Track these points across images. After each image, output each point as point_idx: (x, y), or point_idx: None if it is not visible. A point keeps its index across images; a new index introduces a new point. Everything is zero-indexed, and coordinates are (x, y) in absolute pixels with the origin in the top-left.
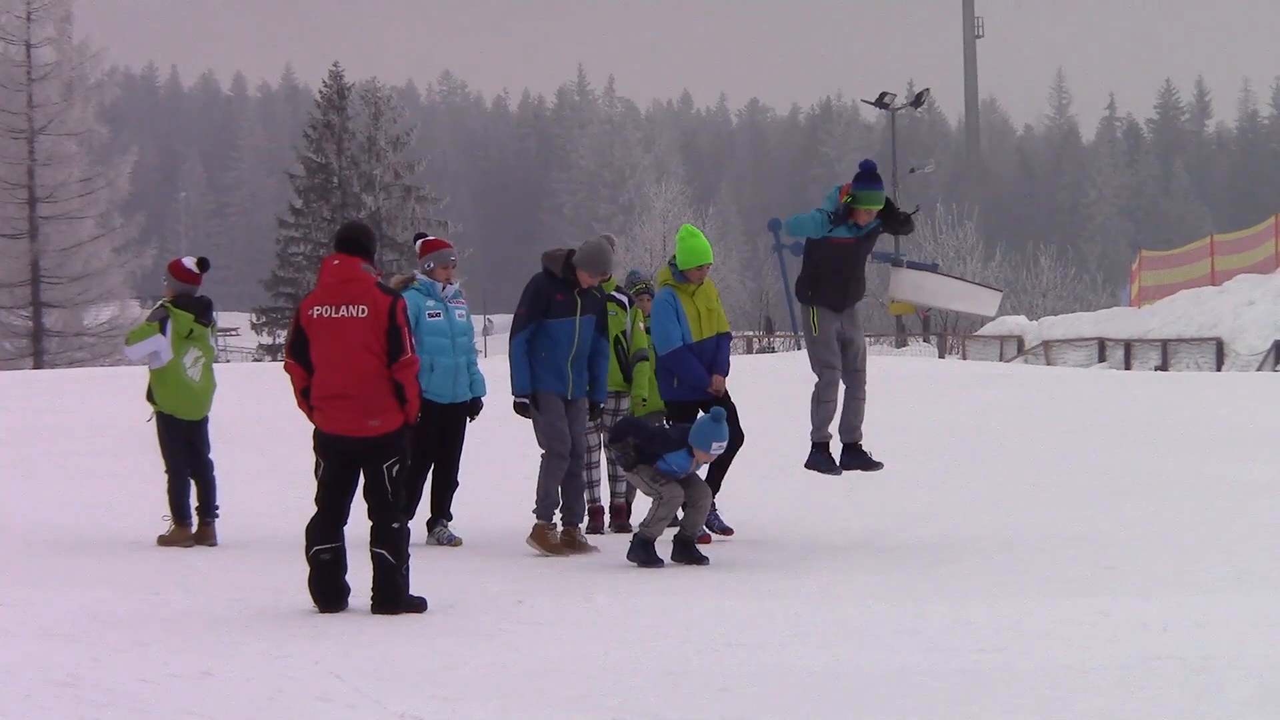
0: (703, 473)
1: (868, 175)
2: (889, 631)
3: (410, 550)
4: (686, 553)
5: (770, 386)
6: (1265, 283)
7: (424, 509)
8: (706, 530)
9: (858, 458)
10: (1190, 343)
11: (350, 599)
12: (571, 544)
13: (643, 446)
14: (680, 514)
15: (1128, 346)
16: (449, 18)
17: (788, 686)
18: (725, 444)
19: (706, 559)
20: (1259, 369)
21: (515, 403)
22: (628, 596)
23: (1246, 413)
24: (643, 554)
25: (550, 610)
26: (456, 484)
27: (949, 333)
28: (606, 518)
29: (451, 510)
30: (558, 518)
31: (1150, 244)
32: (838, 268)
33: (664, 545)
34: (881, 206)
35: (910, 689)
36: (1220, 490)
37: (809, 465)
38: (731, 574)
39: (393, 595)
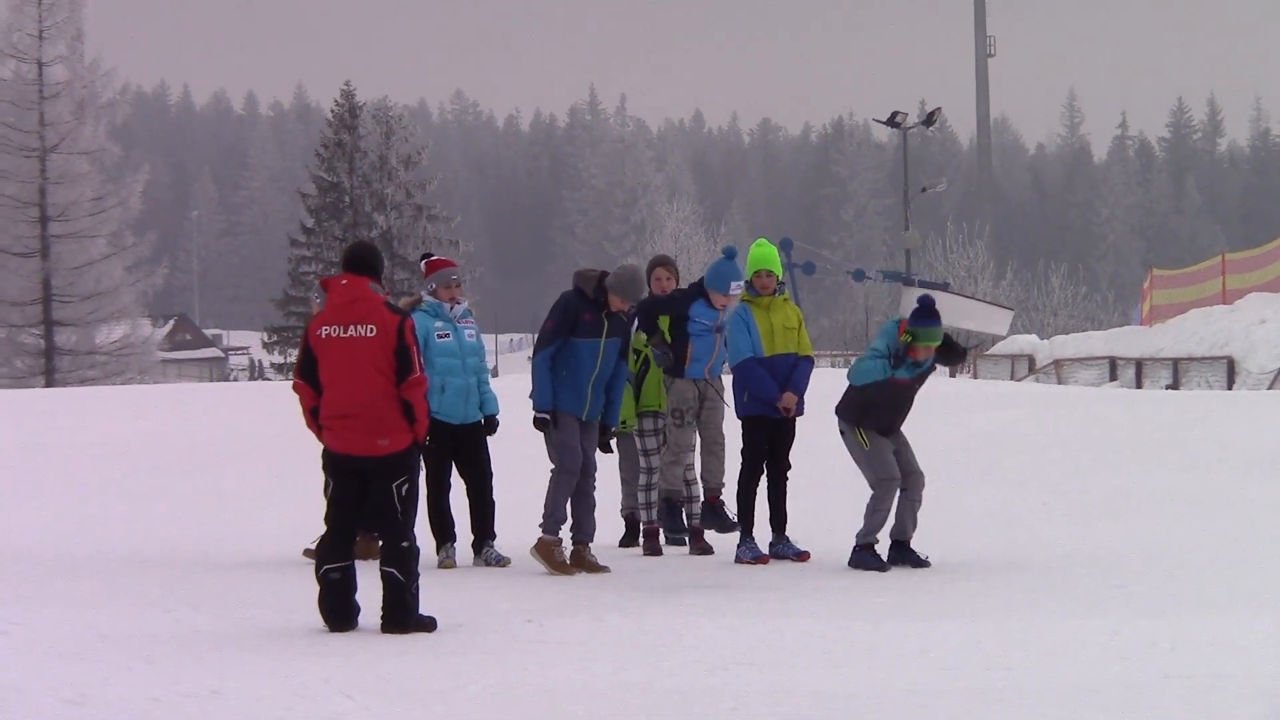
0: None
1: (927, 312)
2: (898, 651)
3: (419, 569)
4: (714, 518)
5: None
6: (1277, 301)
7: (465, 531)
8: (761, 550)
9: (908, 555)
10: (1201, 361)
11: (360, 618)
12: (582, 563)
13: (663, 309)
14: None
15: (1139, 365)
16: (461, 37)
17: (796, 706)
18: (742, 284)
19: (737, 523)
20: (1270, 387)
21: (535, 417)
22: (637, 616)
23: (1258, 431)
24: (669, 522)
25: (560, 629)
26: (493, 503)
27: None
28: (664, 539)
29: (495, 530)
30: (567, 538)
31: (1162, 262)
32: (893, 404)
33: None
34: (940, 343)
35: (919, 708)
36: (1231, 509)
37: (855, 564)
38: (740, 593)
39: (402, 614)
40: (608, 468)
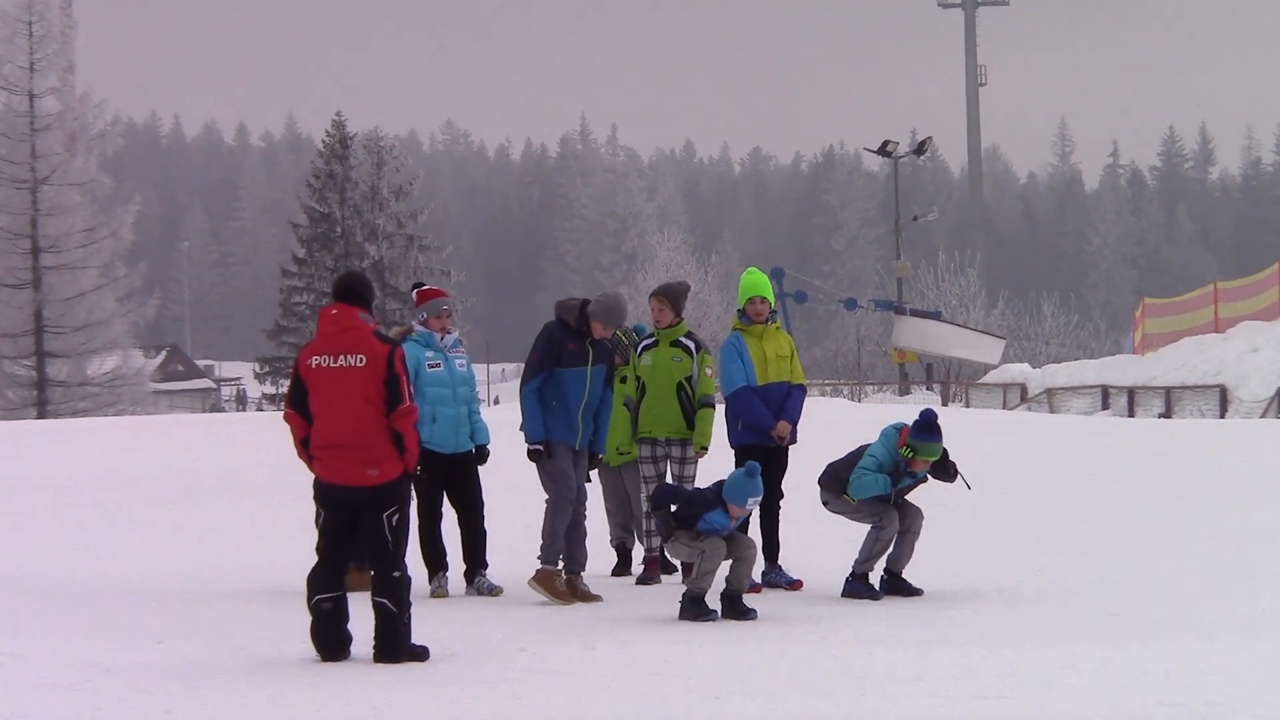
0: (755, 533)
1: (929, 428)
2: (891, 678)
3: (412, 599)
4: (734, 608)
5: None
6: (1269, 329)
7: (457, 561)
8: (755, 581)
9: (901, 585)
10: (1194, 390)
11: (352, 648)
12: (575, 592)
13: (681, 511)
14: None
15: (1131, 394)
16: (452, 67)
17: None
18: (760, 498)
19: (754, 612)
20: (1262, 416)
21: (529, 450)
22: (630, 644)
23: (1250, 460)
24: (694, 609)
25: (553, 658)
26: (485, 532)
27: (952, 380)
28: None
29: (488, 559)
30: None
31: (1154, 291)
32: (887, 499)
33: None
34: (939, 458)
35: None
36: (1224, 537)
37: (848, 594)
38: (733, 621)
39: (395, 644)
40: (594, 498)
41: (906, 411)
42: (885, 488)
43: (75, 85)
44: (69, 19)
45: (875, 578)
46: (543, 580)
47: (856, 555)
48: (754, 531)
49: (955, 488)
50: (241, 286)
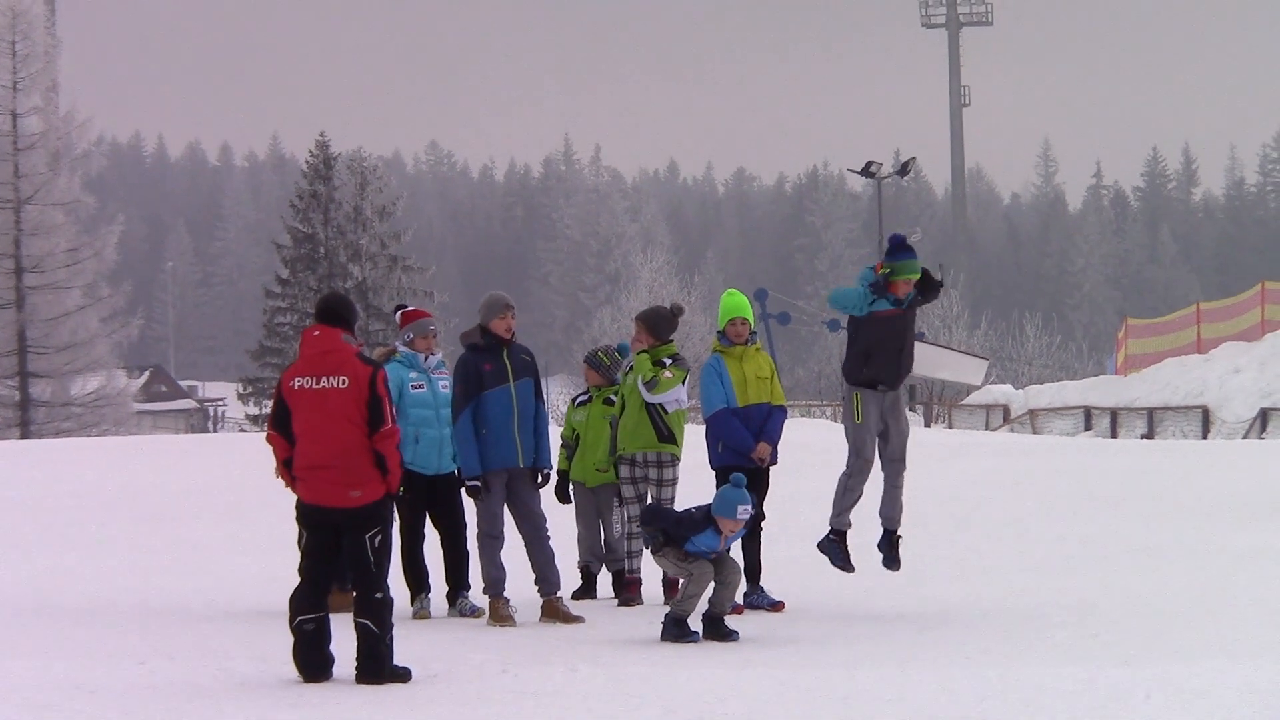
0: (737, 554)
1: (901, 246)
2: (873, 699)
3: (394, 620)
4: (716, 629)
5: None
6: (1251, 350)
7: (439, 582)
8: (737, 602)
9: (893, 549)
10: (1176, 410)
11: (335, 669)
12: (555, 614)
13: (670, 531)
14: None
15: (1114, 414)
16: (435, 88)
17: None
18: (750, 508)
19: (736, 634)
20: (1245, 437)
21: (468, 486)
22: (612, 666)
23: (1232, 481)
24: (676, 631)
25: (535, 680)
26: (467, 554)
27: (935, 401)
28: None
29: (469, 580)
30: (519, 592)
31: (1136, 311)
32: (888, 340)
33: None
34: (919, 276)
35: None
36: (1206, 558)
37: (822, 548)
38: (715, 643)
39: (377, 665)
40: (559, 516)
41: None
42: (862, 298)
43: (59, 105)
44: (53, 38)
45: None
46: (492, 612)
47: (830, 512)
48: (735, 552)
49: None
50: (225, 307)
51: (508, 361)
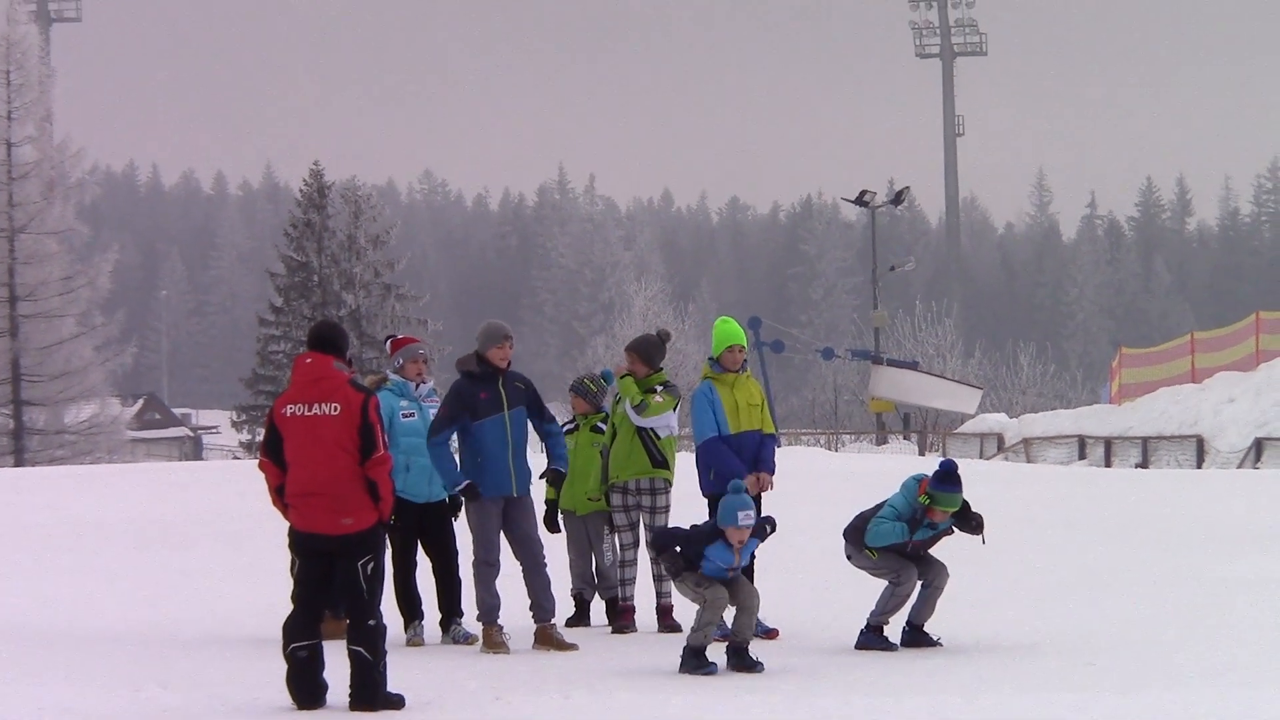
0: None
1: (949, 478)
2: None
3: (387, 647)
4: (740, 660)
5: None
6: (1245, 380)
7: (432, 610)
8: (769, 627)
9: (921, 638)
10: (1171, 440)
11: (328, 696)
12: (550, 641)
13: (683, 551)
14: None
15: (1108, 444)
16: (429, 117)
17: None
18: (753, 513)
19: (761, 665)
20: (1239, 466)
21: (458, 492)
22: (606, 694)
23: (1227, 510)
24: (695, 662)
25: (528, 707)
26: (459, 581)
27: (929, 430)
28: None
29: (462, 608)
30: (515, 620)
31: (1131, 341)
32: (916, 551)
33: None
34: (959, 509)
35: None
36: (1200, 587)
37: (860, 646)
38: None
39: (370, 692)
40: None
41: (884, 461)
42: (902, 535)
43: (53, 134)
44: (47, 68)
45: (895, 631)
46: (485, 640)
47: (873, 608)
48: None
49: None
50: (219, 335)
51: (503, 390)
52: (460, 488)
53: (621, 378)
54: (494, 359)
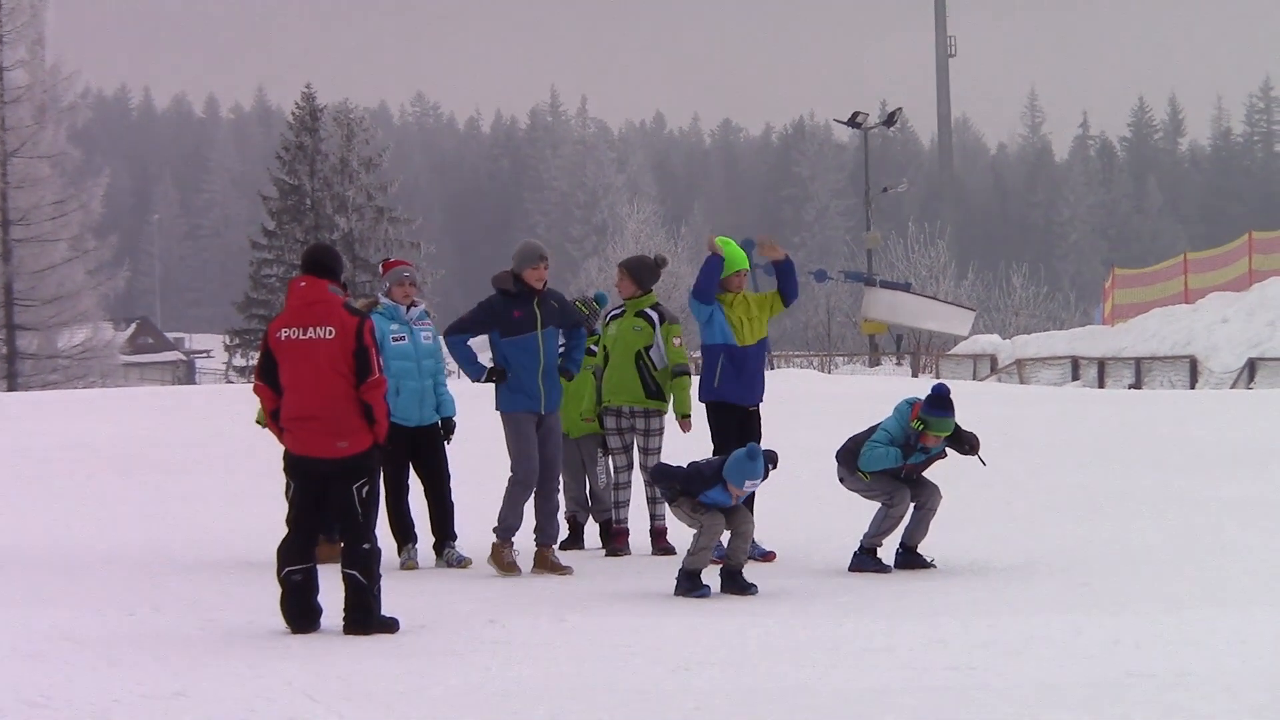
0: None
1: (941, 402)
2: (862, 649)
3: (381, 571)
4: (734, 583)
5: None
6: (1238, 300)
7: (426, 533)
8: (765, 550)
9: (915, 560)
10: (1164, 361)
11: (322, 620)
12: (545, 564)
13: (682, 488)
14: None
15: (1101, 365)
16: (421, 39)
17: (760, 705)
18: (760, 481)
19: (755, 587)
20: (1232, 387)
21: (487, 375)
22: (600, 616)
23: (1220, 431)
24: (688, 584)
25: (523, 630)
26: (452, 504)
27: (922, 352)
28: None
29: (455, 530)
30: (524, 540)
31: (1123, 262)
32: (901, 481)
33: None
34: (951, 433)
35: (883, 707)
36: (1193, 508)
37: (854, 569)
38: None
39: (364, 616)
40: None
41: (877, 383)
42: (895, 460)
43: (45, 58)
44: None
45: (889, 553)
46: (494, 555)
47: (866, 529)
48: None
49: (969, 462)
50: (212, 259)
51: (537, 310)
52: (486, 374)
53: (621, 307)
54: (530, 279)
